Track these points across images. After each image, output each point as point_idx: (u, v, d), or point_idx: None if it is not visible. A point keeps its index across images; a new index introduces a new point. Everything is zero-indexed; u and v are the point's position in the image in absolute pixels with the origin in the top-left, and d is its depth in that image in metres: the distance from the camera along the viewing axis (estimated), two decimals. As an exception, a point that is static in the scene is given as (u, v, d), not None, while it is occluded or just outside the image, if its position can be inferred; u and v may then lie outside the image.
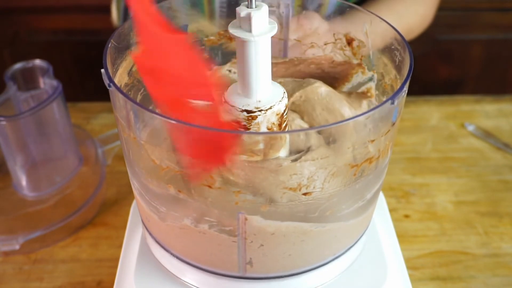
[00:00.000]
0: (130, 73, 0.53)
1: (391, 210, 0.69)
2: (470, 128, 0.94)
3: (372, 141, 0.44)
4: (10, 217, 0.73)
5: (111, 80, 0.44)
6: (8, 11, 1.52)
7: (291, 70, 0.58)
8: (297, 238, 0.46)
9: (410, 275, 0.58)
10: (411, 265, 0.71)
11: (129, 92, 0.53)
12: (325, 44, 0.57)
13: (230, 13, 0.57)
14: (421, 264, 0.72)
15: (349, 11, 0.55)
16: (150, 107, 0.56)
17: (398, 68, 0.50)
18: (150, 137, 0.45)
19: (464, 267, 0.71)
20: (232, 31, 0.43)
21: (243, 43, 0.44)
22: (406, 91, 0.45)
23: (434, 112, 0.99)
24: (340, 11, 0.57)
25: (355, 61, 0.56)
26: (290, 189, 0.43)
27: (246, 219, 0.44)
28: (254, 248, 0.47)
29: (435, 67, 1.60)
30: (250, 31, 0.43)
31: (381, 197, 0.65)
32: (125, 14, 1.00)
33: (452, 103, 1.01)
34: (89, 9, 1.20)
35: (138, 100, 0.54)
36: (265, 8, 0.43)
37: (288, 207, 0.44)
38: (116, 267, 0.58)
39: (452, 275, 0.70)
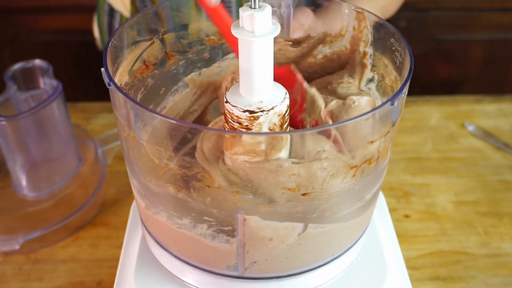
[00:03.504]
0: (130, 72, 0.53)
1: (391, 210, 0.69)
2: (470, 128, 0.94)
3: (372, 142, 0.44)
4: (10, 217, 0.73)
5: (111, 79, 0.44)
6: (8, 11, 1.52)
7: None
8: (295, 239, 0.46)
9: (410, 275, 0.58)
10: (411, 265, 0.71)
11: (129, 91, 0.53)
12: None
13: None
14: (421, 264, 0.72)
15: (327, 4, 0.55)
16: (150, 106, 0.56)
17: (399, 70, 0.50)
18: (149, 136, 0.45)
19: (464, 267, 0.71)
20: (235, 31, 0.43)
21: (246, 43, 0.44)
22: (406, 93, 0.45)
23: (434, 112, 0.99)
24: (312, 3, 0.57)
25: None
26: (289, 189, 0.43)
27: (244, 219, 0.44)
28: (253, 248, 0.47)
29: (435, 67, 1.59)
30: (253, 31, 0.43)
31: (381, 197, 0.65)
32: (109, 30, 1.00)
33: (452, 103, 1.01)
34: (89, 9, 1.20)
35: (138, 99, 0.54)
36: (268, 9, 0.42)
37: (287, 208, 0.44)
38: (116, 267, 0.58)
39: (452, 275, 0.70)
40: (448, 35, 1.55)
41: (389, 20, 0.51)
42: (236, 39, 0.45)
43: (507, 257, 0.73)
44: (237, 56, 0.48)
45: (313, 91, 0.50)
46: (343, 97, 0.51)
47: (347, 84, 0.52)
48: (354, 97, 0.50)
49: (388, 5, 0.90)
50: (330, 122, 0.49)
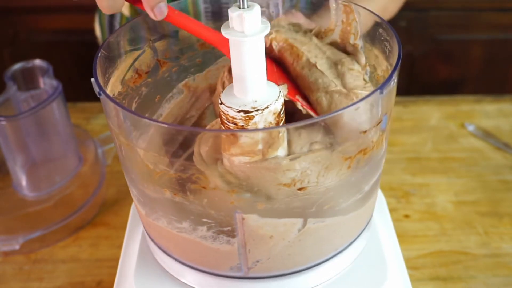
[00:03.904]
0: (123, 82, 0.52)
1: (391, 210, 0.69)
2: (470, 128, 0.94)
3: (364, 132, 0.44)
4: (10, 217, 0.73)
5: (101, 88, 0.44)
6: (8, 11, 1.52)
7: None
8: (296, 235, 0.46)
9: (410, 275, 0.58)
10: (411, 265, 0.71)
11: (123, 101, 0.52)
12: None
13: (215, 18, 0.58)
14: (421, 264, 0.72)
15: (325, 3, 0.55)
16: (146, 115, 0.56)
17: (389, 59, 0.50)
18: (143, 142, 0.46)
19: (464, 267, 0.71)
20: (225, 32, 0.43)
21: (236, 43, 0.43)
22: (396, 80, 0.45)
23: (434, 112, 0.99)
24: (314, 4, 0.57)
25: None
26: (285, 185, 0.43)
27: (243, 218, 0.44)
28: (254, 247, 0.47)
29: (435, 67, 1.60)
30: (242, 31, 0.43)
31: (381, 197, 0.65)
32: (110, 29, 1.00)
33: (452, 103, 1.01)
34: (89, 9, 1.20)
35: (133, 109, 0.54)
36: (257, 8, 0.42)
37: (285, 204, 0.44)
38: (116, 267, 0.58)
39: (452, 275, 0.70)
40: (448, 35, 1.55)
41: (389, 21, 0.51)
42: (210, 34, 0.46)
43: (507, 257, 0.73)
44: (224, 52, 0.49)
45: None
46: (348, 87, 0.50)
47: (357, 73, 0.51)
48: (358, 92, 0.49)
49: (388, 6, 0.89)
50: (299, 103, 0.49)
